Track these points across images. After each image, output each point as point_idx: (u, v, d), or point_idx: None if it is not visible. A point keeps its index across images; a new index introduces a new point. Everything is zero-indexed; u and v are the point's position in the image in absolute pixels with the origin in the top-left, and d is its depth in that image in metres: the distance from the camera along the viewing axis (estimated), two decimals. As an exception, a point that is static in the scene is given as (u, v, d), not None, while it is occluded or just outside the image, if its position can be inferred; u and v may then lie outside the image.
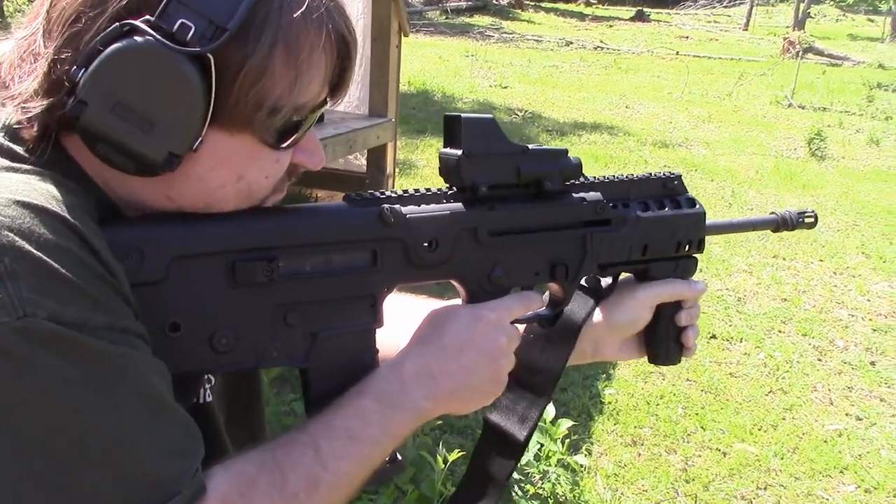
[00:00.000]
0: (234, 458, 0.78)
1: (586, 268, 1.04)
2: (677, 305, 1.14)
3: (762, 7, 27.54)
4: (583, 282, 1.11)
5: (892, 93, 12.80)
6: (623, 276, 1.13)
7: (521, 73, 12.64)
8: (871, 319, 4.75)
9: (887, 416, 3.76)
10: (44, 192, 0.70)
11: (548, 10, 24.30)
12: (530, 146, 0.97)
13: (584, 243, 1.03)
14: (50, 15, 0.74)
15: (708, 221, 1.15)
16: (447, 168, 0.95)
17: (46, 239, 0.66)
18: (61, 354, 0.65)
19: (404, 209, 0.90)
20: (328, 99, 0.85)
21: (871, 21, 27.87)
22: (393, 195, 0.92)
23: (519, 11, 22.84)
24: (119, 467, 0.68)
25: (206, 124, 0.75)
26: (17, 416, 0.64)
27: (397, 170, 5.56)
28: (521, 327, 1.05)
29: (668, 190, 1.12)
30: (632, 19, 23.60)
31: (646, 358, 1.16)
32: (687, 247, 1.13)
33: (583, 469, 3.11)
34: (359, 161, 5.25)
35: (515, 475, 2.74)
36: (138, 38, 0.71)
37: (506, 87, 11.36)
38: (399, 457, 0.91)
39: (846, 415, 3.76)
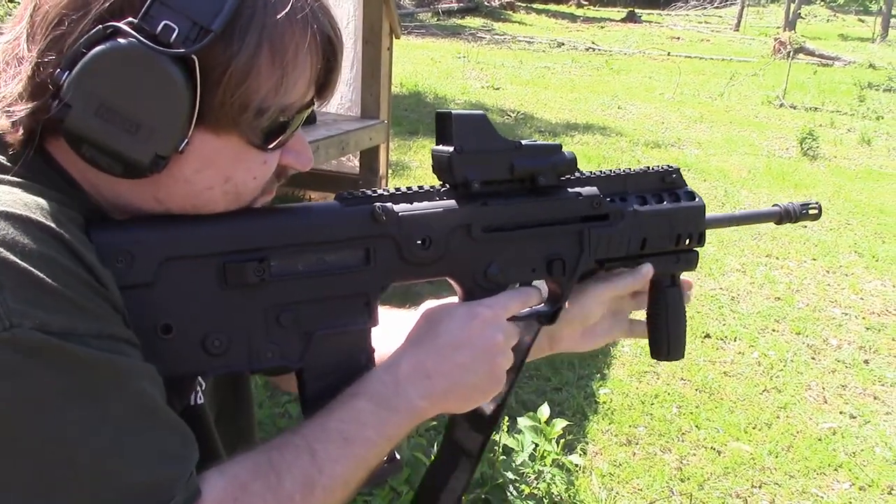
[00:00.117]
0: (229, 461, 0.78)
1: (584, 263, 1.03)
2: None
3: (753, 8, 27.63)
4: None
5: (884, 92, 12.84)
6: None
7: (512, 75, 12.65)
8: (864, 318, 4.76)
9: (881, 414, 3.77)
10: (28, 202, 0.69)
11: (539, 12, 24.33)
12: (523, 141, 0.97)
13: (581, 239, 1.02)
14: (34, 19, 0.73)
15: (709, 215, 1.13)
16: (439, 165, 0.95)
17: (31, 249, 0.66)
18: (49, 364, 0.65)
19: (396, 207, 0.90)
20: (315, 99, 0.85)
21: (862, 21, 27.99)
22: (385, 193, 0.91)
23: (510, 13, 22.86)
24: (112, 475, 0.68)
25: (192, 126, 0.74)
26: (6, 426, 0.64)
27: (390, 171, 5.56)
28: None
29: (667, 183, 1.11)
30: (623, 20, 23.64)
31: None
32: (687, 240, 1.11)
33: (578, 469, 3.10)
34: (351, 163, 5.25)
35: (510, 475, 2.73)
36: (121, 40, 0.71)
37: (498, 89, 11.37)
38: (397, 456, 0.90)
39: (840, 413, 3.76)
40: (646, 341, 1.16)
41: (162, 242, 0.78)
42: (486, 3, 22.52)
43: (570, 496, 2.98)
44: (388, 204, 0.89)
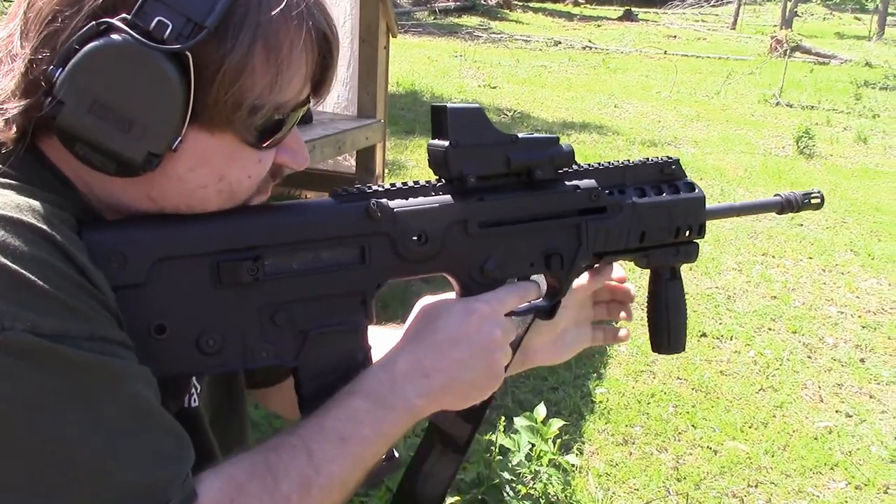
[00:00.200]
0: (225, 462, 0.78)
1: (582, 257, 1.02)
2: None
3: (749, 6, 27.65)
4: None
5: (880, 91, 12.86)
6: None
7: (509, 73, 12.65)
8: (860, 316, 4.77)
9: (877, 413, 3.77)
10: (20, 204, 0.69)
11: (536, 10, 24.34)
12: (520, 135, 0.96)
13: (579, 232, 1.01)
14: (27, 15, 0.73)
15: (709, 206, 1.12)
16: (435, 160, 0.94)
17: (22, 251, 0.66)
18: (42, 367, 0.65)
19: (392, 203, 0.89)
20: (311, 97, 0.84)
21: (858, 20, 28.03)
22: (380, 189, 0.90)
23: (507, 11, 22.86)
24: (107, 477, 0.67)
25: (186, 123, 0.74)
26: (1, 429, 0.64)
27: (386, 170, 5.55)
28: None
29: (666, 175, 1.09)
30: (620, 19, 23.65)
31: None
32: (687, 232, 1.10)
33: (574, 469, 3.10)
34: (348, 162, 5.24)
35: (507, 475, 2.73)
36: (115, 37, 0.70)
37: (494, 88, 11.36)
38: (396, 454, 0.90)
39: (836, 412, 3.77)
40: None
41: (155, 242, 0.78)
42: (482, 1, 22.52)
43: (566, 496, 2.98)
44: (383, 200, 0.88)
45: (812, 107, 11.27)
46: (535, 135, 0.97)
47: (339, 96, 5.02)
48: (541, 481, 2.89)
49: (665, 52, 16.45)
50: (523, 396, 3.62)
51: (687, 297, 1.17)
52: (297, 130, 0.86)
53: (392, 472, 0.91)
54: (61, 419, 0.65)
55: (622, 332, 1.21)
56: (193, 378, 0.92)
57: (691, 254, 1.12)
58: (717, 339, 4.39)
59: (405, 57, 12.46)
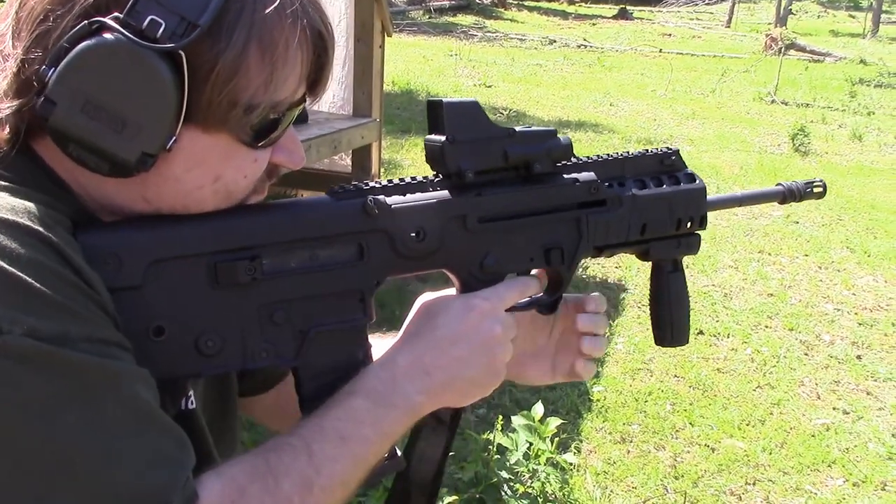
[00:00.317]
0: (226, 463, 0.77)
1: (582, 251, 1.01)
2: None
3: (744, 4, 27.68)
4: None
5: (874, 88, 12.88)
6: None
7: (504, 72, 12.65)
8: (856, 313, 4.77)
9: (874, 410, 3.77)
10: (15, 206, 0.69)
11: (531, 9, 24.33)
12: (517, 128, 0.95)
13: (580, 225, 1.00)
14: (19, 15, 0.72)
15: (710, 196, 1.11)
16: (432, 155, 0.93)
17: (19, 254, 0.65)
18: (41, 370, 0.64)
19: (389, 200, 0.88)
20: (307, 96, 0.83)
21: (853, 17, 28.07)
22: (377, 186, 0.90)
23: (502, 10, 22.85)
24: (108, 480, 0.67)
25: (180, 123, 0.73)
26: (1, 432, 0.63)
27: (382, 169, 5.54)
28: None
29: (666, 166, 1.08)
30: (615, 17, 23.65)
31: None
32: (689, 224, 1.08)
33: (572, 467, 3.10)
34: (344, 161, 5.23)
35: (505, 474, 2.73)
36: (107, 36, 0.69)
37: (490, 86, 11.36)
38: (398, 452, 0.89)
39: (833, 409, 3.77)
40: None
41: (150, 243, 0.77)
42: (477, 0, 22.50)
43: (564, 495, 2.98)
44: (381, 197, 0.88)
45: (807, 104, 11.29)
46: (533, 128, 0.96)
47: (335, 95, 5.01)
48: (539, 480, 2.88)
49: (660, 51, 16.46)
50: (521, 395, 3.62)
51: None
52: (293, 129, 0.85)
53: (394, 470, 0.91)
54: (61, 421, 0.65)
55: (578, 368, 1.09)
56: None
57: (693, 245, 1.11)
58: (714, 336, 4.40)
59: (400, 56, 12.45)
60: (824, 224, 6.26)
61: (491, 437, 2.80)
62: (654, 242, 1.07)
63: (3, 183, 0.72)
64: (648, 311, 1.14)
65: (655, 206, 1.05)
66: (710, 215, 1.11)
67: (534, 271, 1.01)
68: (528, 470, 2.87)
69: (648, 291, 1.14)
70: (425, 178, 0.93)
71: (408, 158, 7.34)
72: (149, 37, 0.70)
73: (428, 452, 1.00)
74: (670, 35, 20.14)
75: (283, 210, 0.86)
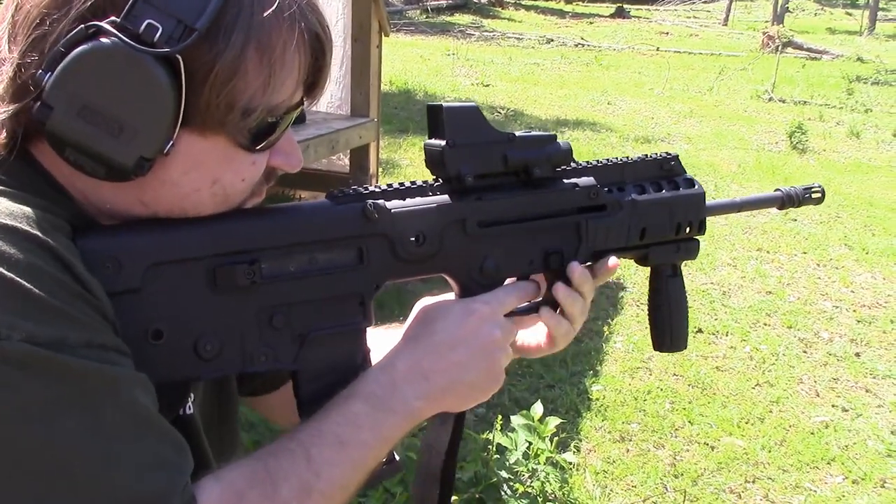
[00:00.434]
0: (225, 468, 0.77)
1: (582, 255, 1.01)
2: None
3: (741, 2, 27.67)
4: None
5: (872, 85, 12.88)
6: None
7: (502, 72, 12.64)
8: (855, 311, 4.78)
9: (873, 407, 3.78)
10: (13, 211, 0.68)
11: (528, 8, 24.32)
12: (517, 133, 0.95)
13: (579, 230, 1.01)
14: (15, 18, 0.72)
15: (709, 201, 1.11)
16: (432, 159, 0.93)
17: (18, 259, 0.65)
18: (39, 375, 0.64)
19: (389, 204, 0.88)
20: (304, 98, 0.83)
21: (850, 15, 28.07)
22: (377, 190, 0.90)
23: (499, 9, 22.84)
24: (107, 484, 0.67)
25: (178, 127, 0.73)
26: (1, 442, 0.63)
27: (380, 169, 5.55)
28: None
29: (665, 171, 1.08)
30: (612, 16, 23.64)
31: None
32: (687, 228, 1.09)
33: (572, 466, 3.10)
34: (342, 161, 5.23)
35: (504, 474, 2.73)
36: (104, 40, 0.69)
37: (487, 86, 11.36)
38: (396, 457, 0.89)
39: (832, 406, 3.77)
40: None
41: (149, 247, 0.77)
42: (474, -1, 22.49)
43: (564, 494, 2.98)
44: (380, 201, 0.88)
45: (804, 102, 11.29)
46: (533, 132, 0.97)
47: (333, 95, 5.01)
48: (538, 479, 2.88)
49: (657, 49, 16.46)
50: (520, 394, 3.62)
51: (683, 293, 1.16)
52: (291, 131, 0.85)
53: (393, 475, 0.91)
54: (60, 427, 0.65)
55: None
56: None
57: (692, 250, 1.11)
58: (713, 334, 4.40)
59: (398, 56, 12.45)
60: (822, 221, 6.27)
61: (490, 436, 2.80)
62: (654, 247, 1.08)
63: (0, 188, 0.72)
64: (647, 315, 1.14)
65: (655, 210, 1.06)
66: None
67: (533, 276, 1.00)
68: (528, 469, 2.87)
69: (647, 295, 1.14)
70: (425, 182, 0.93)
71: (406, 158, 7.34)
72: (146, 41, 0.69)
73: (435, 444, 1.00)
74: (667, 33, 20.15)
75: (283, 214, 0.86)
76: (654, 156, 1.09)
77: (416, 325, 0.92)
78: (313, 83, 0.82)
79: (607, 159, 1.06)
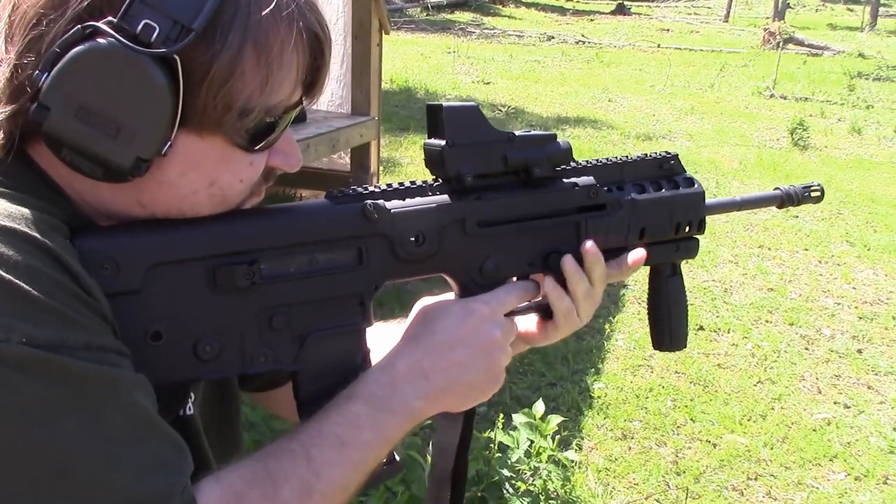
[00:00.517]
0: (225, 469, 0.77)
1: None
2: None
3: (742, -2, 27.65)
4: None
5: (873, 81, 12.86)
6: None
7: (503, 69, 12.63)
8: (856, 307, 4.77)
9: (875, 404, 3.77)
10: (11, 212, 0.68)
11: (528, 5, 24.29)
12: (517, 132, 0.95)
13: (579, 230, 1.00)
14: (12, 19, 0.72)
15: (708, 201, 1.11)
16: (431, 159, 0.93)
17: (16, 261, 0.65)
18: (39, 377, 0.64)
19: (388, 204, 0.88)
20: (304, 98, 0.83)
21: (851, 10, 28.04)
22: (376, 190, 0.90)
23: (500, 7, 22.82)
24: (107, 486, 0.67)
25: (175, 128, 0.73)
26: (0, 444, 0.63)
27: (381, 168, 5.54)
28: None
29: (665, 170, 1.09)
30: (612, 13, 23.62)
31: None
32: (687, 228, 1.09)
33: (574, 464, 3.10)
34: (342, 160, 5.23)
35: (506, 472, 2.72)
36: (101, 41, 0.69)
37: (488, 83, 11.35)
38: (397, 457, 0.89)
39: (834, 403, 3.77)
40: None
41: (148, 248, 0.77)
42: (475, -3, 22.45)
43: (566, 492, 2.97)
44: (380, 201, 0.88)
45: (806, 98, 11.27)
46: (532, 132, 0.96)
47: (333, 94, 5.01)
48: (540, 478, 2.88)
49: (658, 46, 16.44)
50: (521, 393, 3.62)
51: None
52: (290, 130, 0.85)
53: (393, 475, 0.91)
54: (59, 429, 0.65)
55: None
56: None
57: (692, 250, 1.11)
58: (715, 332, 4.40)
59: (398, 54, 12.44)
60: (824, 218, 6.26)
61: (492, 435, 2.80)
62: (653, 246, 1.07)
63: None
64: (646, 314, 1.14)
65: (654, 210, 1.06)
66: None
67: (533, 275, 1.00)
68: (530, 468, 2.87)
69: (647, 295, 1.14)
70: (424, 182, 0.93)
71: (407, 156, 7.33)
72: (143, 41, 0.69)
73: (446, 442, 1.00)
74: (668, 30, 20.12)
75: (282, 214, 0.85)
76: (653, 155, 1.09)
77: (416, 325, 0.91)
78: (312, 82, 0.82)
79: (607, 158, 1.06)
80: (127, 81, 0.70)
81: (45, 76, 0.69)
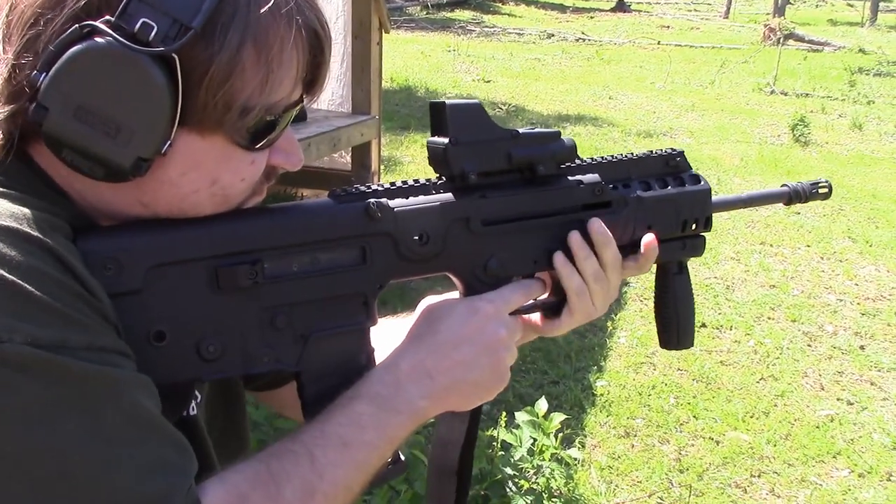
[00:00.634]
0: (228, 470, 0.76)
1: None
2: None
3: (742, -6, 27.61)
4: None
5: (874, 77, 12.85)
6: None
7: (503, 67, 12.62)
8: (859, 303, 4.76)
9: (878, 400, 3.77)
10: (14, 212, 0.68)
11: (528, 3, 24.27)
12: (521, 130, 0.95)
13: (584, 228, 1.00)
14: (9, 18, 0.71)
15: (715, 198, 1.11)
16: (435, 157, 0.93)
17: (19, 261, 0.65)
18: (40, 378, 0.64)
19: (392, 202, 0.88)
20: (304, 96, 0.82)
21: (851, 6, 28.02)
22: (380, 188, 0.89)
23: (500, 5, 22.81)
24: (109, 487, 0.66)
25: (175, 127, 0.72)
26: (0, 444, 0.63)
27: (382, 167, 5.54)
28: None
29: (671, 168, 1.08)
30: (612, 10, 23.61)
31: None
32: (694, 225, 1.08)
33: (577, 462, 3.10)
34: (343, 159, 5.22)
35: (509, 471, 2.72)
36: (98, 40, 0.68)
37: (489, 81, 11.34)
38: (401, 457, 0.89)
39: (837, 400, 3.76)
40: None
41: (149, 248, 0.76)
42: (474, -5, 22.44)
43: (569, 490, 2.97)
44: (383, 200, 0.87)
45: (807, 94, 11.26)
46: (537, 129, 0.96)
47: (334, 93, 5.01)
48: (543, 476, 2.88)
49: (658, 43, 16.43)
50: (524, 391, 3.62)
51: (688, 289, 1.16)
52: (291, 130, 0.84)
53: (397, 475, 0.90)
54: (61, 430, 0.65)
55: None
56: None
57: (698, 247, 1.10)
58: (717, 329, 4.39)
59: (398, 52, 12.43)
60: (826, 214, 6.25)
61: (495, 433, 2.79)
62: (660, 244, 1.06)
63: (1, 189, 0.71)
64: (653, 312, 1.14)
65: (660, 207, 1.05)
66: None
67: (538, 274, 1.00)
68: (533, 466, 2.87)
69: (653, 293, 1.13)
70: (428, 180, 0.92)
71: (408, 155, 7.33)
72: (141, 40, 0.69)
73: (450, 438, 1.00)
74: (668, 27, 20.11)
75: (285, 213, 0.85)
76: (659, 152, 1.08)
77: (420, 324, 0.91)
78: (312, 80, 0.81)
79: (612, 156, 1.05)
80: (125, 81, 0.69)
81: (43, 76, 0.69)
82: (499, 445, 2.76)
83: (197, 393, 0.93)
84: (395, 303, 3.60)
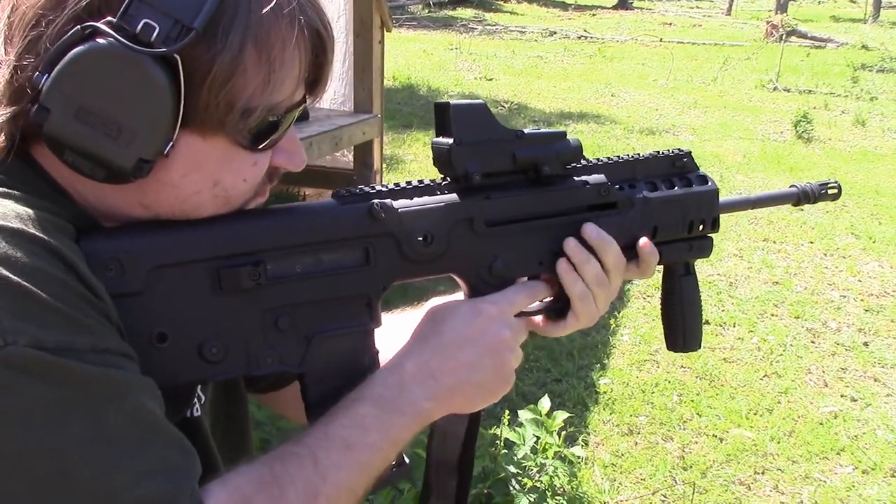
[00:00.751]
0: (232, 472, 0.76)
1: None
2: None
3: (744, -9, 27.53)
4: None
5: (877, 73, 12.82)
6: None
7: (505, 65, 12.61)
8: (862, 300, 4.76)
9: (882, 397, 3.76)
10: (19, 213, 0.68)
11: (531, 1, 24.24)
12: (526, 130, 0.94)
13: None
14: (11, 20, 0.71)
15: (722, 199, 1.10)
16: (439, 158, 0.92)
17: (24, 263, 0.65)
18: (44, 380, 0.64)
19: (396, 203, 0.87)
20: (307, 96, 0.82)
21: (854, 2, 27.95)
22: (383, 189, 0.89)
23: (502, 3, 22.78)
24: (112, 491, 0.66)
25: (177, 128, 0.72)
26: (2, 442, 0.63)
27: (384, 165, 5.54)
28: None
29: (678, 168, 1.07)
30: (615, 7, 23.57)
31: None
32: (700, 226, 1.07)
33: (580, 460, 3.10)
34: (346, 158, 5.22)
35: (512, 469, 2.72)
36: (100, 41, 0.68)
37: (491, 79, 11.33)
38: (406, 460, 0.89)
39: (841, 396, 3.76)
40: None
41: (152, 249, 0.76)
42: (476, -7, 22.41)
43: (572, 488, 2.97)
44: (387, 200, 0.87)
45: (809, 91, 11.24)
46: (542, 129, 0.95)
47: (336, 92, 5.01)
48: (546, 474, 2.88)
49: (661, 40, 16.40)
50: (527, 389, 3.62)
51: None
52: (294, 130, 0.84)
53: (401, 478, 0.90)
54: (64, 432, 0.65)
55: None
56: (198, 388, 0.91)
57: (705, 248, 1.10)
58: (720, 326, 4.39)
59: (400, 51, 12.42)
60: (829, 211, 6.23)
61: (498, 431, 2.79)
62: (666, 245, 1.06)
63: (5, 190, 0.71)
64: (658, 311, 1.13)
65: (667, 208, 1.04)
66: None
67: (543, 275, 0.99)
68: (536, 464, 2.87)
69: (660, 294, 1.13)
70: (432, 181, 0.92)
71: (410, 153, 7.33)
72: (143, 41, 0.69)
73: (450, 430, 0.99)
74: (671, 24, 20.07)
75: (288, 214, 0.85)
76: (665, 152, 1.07)
77: (425, 325, 0.91)
78: (315, 80, 0.81)
79: (618, 156, 1.04)
80: (127, 82, 0.69)
81: (44, 77, 0.69)
82: (502, 443, 2.76)
83: (201, 395, 0.92)
84: (398, 303, 3.60)
